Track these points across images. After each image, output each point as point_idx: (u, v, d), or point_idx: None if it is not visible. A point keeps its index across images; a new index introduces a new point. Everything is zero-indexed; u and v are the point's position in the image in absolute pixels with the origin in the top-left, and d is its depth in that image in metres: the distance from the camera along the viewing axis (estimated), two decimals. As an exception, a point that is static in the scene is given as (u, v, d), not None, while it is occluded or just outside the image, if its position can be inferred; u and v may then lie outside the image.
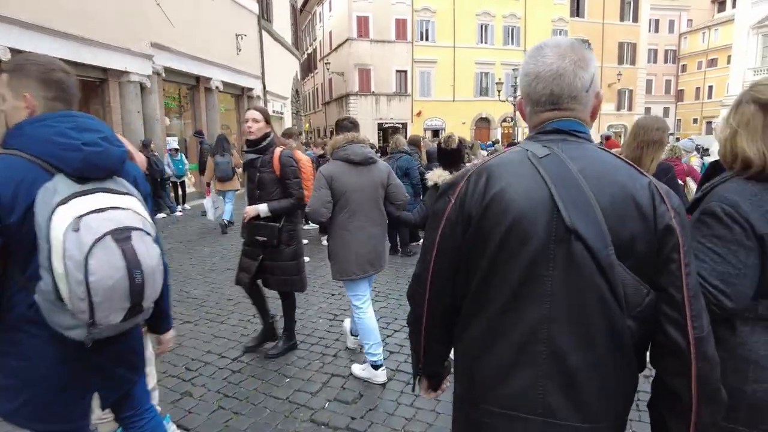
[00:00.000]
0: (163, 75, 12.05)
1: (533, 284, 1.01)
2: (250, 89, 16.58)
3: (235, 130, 15.96)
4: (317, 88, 42.96)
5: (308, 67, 44.41)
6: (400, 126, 33.82)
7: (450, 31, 34.16)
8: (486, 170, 1.08)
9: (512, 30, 35.24)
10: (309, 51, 44.47)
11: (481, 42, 35.12)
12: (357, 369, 3.55)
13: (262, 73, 17.31)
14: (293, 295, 3.91)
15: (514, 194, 1.02)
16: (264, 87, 17.59)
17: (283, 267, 3.67)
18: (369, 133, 30.97)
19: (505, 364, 1.05)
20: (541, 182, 1.02)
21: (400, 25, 33.46)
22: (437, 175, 3.37)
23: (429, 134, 33.18)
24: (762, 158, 1.32)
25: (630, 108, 40.14)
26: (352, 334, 3.98)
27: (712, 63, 50.11)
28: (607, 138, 8.49)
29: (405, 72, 34.12)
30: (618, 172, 1.04)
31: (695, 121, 52.63)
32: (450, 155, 3.56)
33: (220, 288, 5.88)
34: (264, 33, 17.43)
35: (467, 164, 2.98)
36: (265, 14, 17.77)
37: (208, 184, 9.08)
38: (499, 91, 26.01)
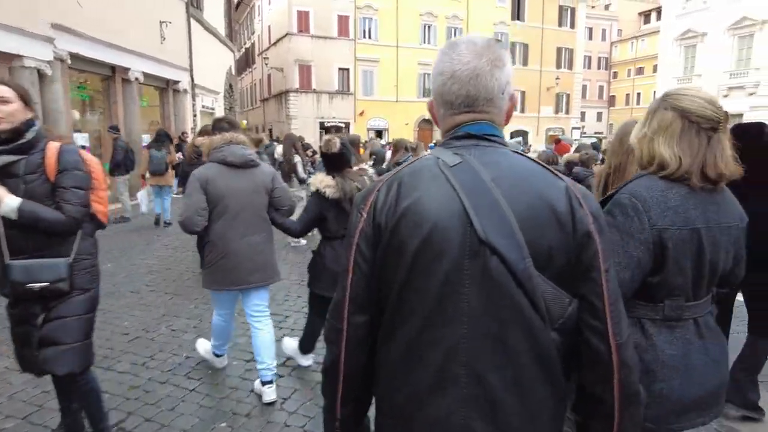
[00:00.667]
0: (69, 62, 10.58)
1: (449, 302, 0.95)
2: (177, 82, 15.20)
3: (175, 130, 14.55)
4: (255, 84, 41.30)
5: (246, 61, 42.61)
6: (343, 125, 32.98)
7: (393, 30, 33.72)
8: (397, 180, 1.03)
9: (455, 31, 35.29)
10: (247, 45, 42.69)
11: (425, 42, 34.93)
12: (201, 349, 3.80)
13: (191, 65, 15.95)
14: (88, 375, 2.46)
15: (426, 207, 0.97)
16: (192, 80, 16.23)
17: (69, 328, 2.28)
18: (310, 132, 29.94)
19: (424, 390, 0.98)
20: (453, 193, 0.96)
21: (343, 21, 32.61)
22: (319, 181, 3.14)
23: (372, 134, 32.60)
24: (677, 161, 1.44)
25: (567, 111, 41.40)
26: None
27: (640, 71, 52.87)
28: (557, 141, 8.11)
29: (347, 70, 33.31)
30: (533, 177, 0.99)
31: (625, 125, 55.24)
32: (331, 160, 3.31)
33: (116, 318, 4.85)
34: (193, 22, 16.08)
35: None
36: (194, 1, 16.40)
37: (143, 176, 9.26)
38: (442, 93, 25.73)
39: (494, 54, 1.02)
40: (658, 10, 51.19)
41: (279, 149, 7.78)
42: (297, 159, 7.01)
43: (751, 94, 26.97)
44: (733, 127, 2.95)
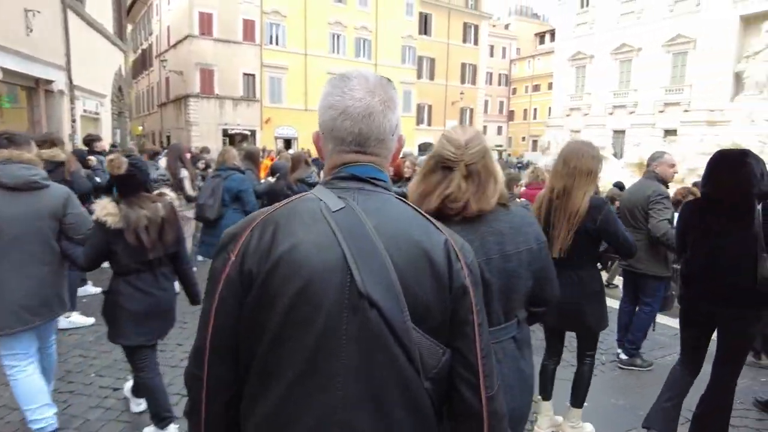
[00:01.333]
0: None
1: (325, 359, 0.90)
2: (50, 81, 13.33)
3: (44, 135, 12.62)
4: (153, 88, 38.41)
5: (143, 63, 39.58)
6: (249, 133, 31.54)
7: (301, 37, 32.99)
8: (274, 222, 0.96)
9: (363, 42, 35.33)
10: (144, 46, 39.67)
11: (334, 52, 34.59)
12: None
13: (68, 63, 14.12)
14: None
15: (303, 255, 0.91)
16: (70, 80, 14.38)
17: None
18: (212, 139, 28.23)
19: None
20: (334, 241, 0.92)
21: (248, 26, 31.27)
22: (101, 208, 2.67)
23: (281, 143, 31.51)
24: (412, 196, 1.65)
25: (471, 125, 43.05)
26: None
27: (537, 88, 56.70)
28: None
29: (253, 76, 31.97)
30: (414, 228, 0.97)
31: (524, 139, 59.00)
32: (120, 182, 2.95)
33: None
34: (71, 15, 14.27)
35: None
36: (73, -8, 14.59)
37: None
38: (351, 103, 25.39)
39: (387, 94, 1.01)
40: (552, 32, 55.44)
41: (163, 162, 6.80)
42: (184, 173, 6.11)
43: (631, 112, 29.71)
44: (715, 154, 2.84)
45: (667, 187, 4.03)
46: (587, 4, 32.18)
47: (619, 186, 8.44)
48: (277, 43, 32.52)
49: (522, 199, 6.01)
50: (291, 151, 14.53)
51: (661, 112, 27.95)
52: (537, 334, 4.08)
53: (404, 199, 1.05)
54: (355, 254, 0.90)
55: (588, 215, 2.59)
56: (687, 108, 26.06)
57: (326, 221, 0.93)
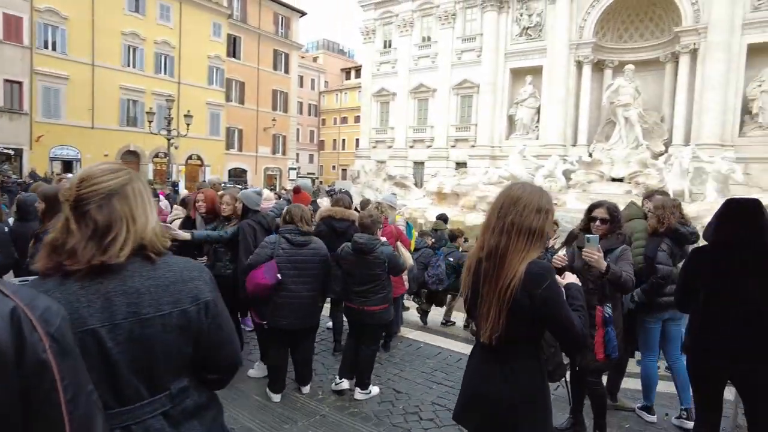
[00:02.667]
0: None
1: None
2: None
3: None
4: None
5: None
6: (12, 152, 25.92)
7: (87, 45, 28.75)
8: None
9: (165, 58, 32.43)
10: None
11: (129, 65, 30.96)
12: None
13: None
14: None
15: None
16: None
17: None
18: (-42, 158, 22.36)
19: None
20: None
21: (12, 22, 25.97)
22: None
23: (59, 166, 26.66)
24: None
25: (284, 153, 42.72)
26: None
27: (345, 120, 59.41)
28: (297, 191, 7.12)
29: (20, 84, 26.56)
30: None
31: (334, 167, 61.00)
32: None
33: None
34: None
35: None
36: None
37: None
38: (150, 122, 22.80)
39: None
40: (357, 69, 59.03)
41: None
42: None
43: (429, 146, 32.96)
44: (730, 203, 2.77)
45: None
46: (390, 45, 35.02)
47: (443, 218, 8.56)
48: (54, 49, 27.72)
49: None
50: (69, 176, 11.91)
51: (453, 146, 31.61)
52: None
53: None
54: None
55: (523, 288, 1.87)
56: (474, 144, 29.97)
57: None
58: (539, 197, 1.99)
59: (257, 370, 4.68)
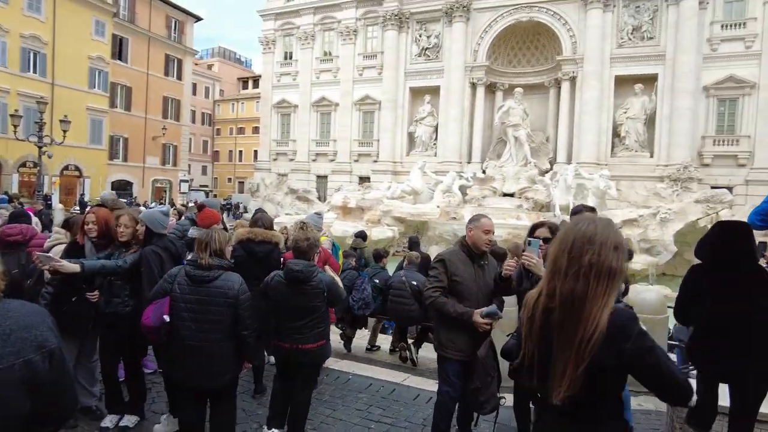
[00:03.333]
0: None
1: None
2: None
3: None
4: None
5: None
6: None
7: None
8: None
9: (35, 55, 28.78)
10: None
11: (-13, 61, 26.99)
12: None
13: None
14: None
15: None
16: None
17: None
18: None
19: None
20: None
21: None
22: None
23: None
24: None
25: (175, 164, 39.90)
26: None
27: (242, 131, 57.18)
28: (201, 207, 5.97)
29: None
30: None
31: (230, 180, 58.32)
32: None
33: None
34: None
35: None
36: None
37: None
38: (15, 126, 19.98)
39: None
40: (255, 79, 57.27)
41: None
42: None
43: (332, 160, 32.76)
44: (721, 225, 3.27)
45: (475, 254, 3.71)
46: (290, 57, 34.39)
47: (361, 236, 8.24)
48: None
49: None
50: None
51: (356, 161, 31.72)
52: None
53: None
54: None
55: (608, 344, 1.62)
56: (376, 159, 30.31)
57: None
58: (614, 232, 1.74)
59: (165, 425, 3.90)
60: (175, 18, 38.32)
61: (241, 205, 37.61)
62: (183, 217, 6.97)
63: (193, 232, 5.11)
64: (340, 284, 4.17)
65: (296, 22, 33.70)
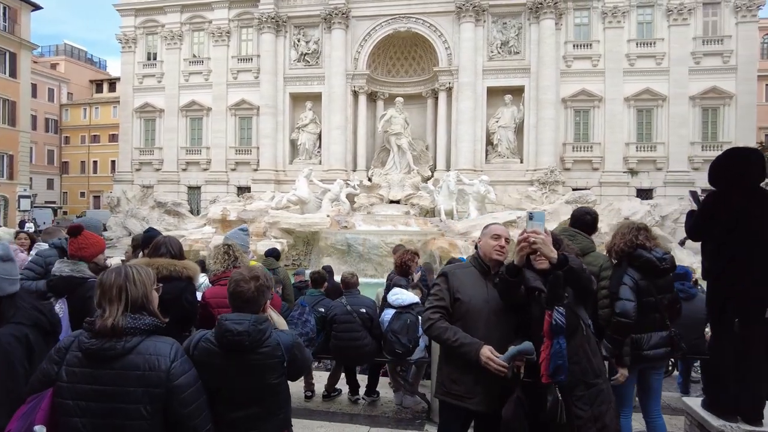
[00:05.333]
0: None
1: None
2: None
3: None
4: None
5: None
6: None
7: None
8: None
9: None
10: None
11: None
12: None
13: None
14: None
15: None
16: None
17: None
18: None
19: None
20: None
21: None
22: None
23: None
24: None
25: (11, 176, 33.89)
26: None
27: (96, 139, 50.93)
28: (76, 230, 3.65)
29: None
30: None
31: (83, 194, 51.56)
32: None
33: None
34: None
35: None
36: None
37: None
38: None
39: None
40: (111, 81, 51.45)
41: None
42: None
43: (205, 169, 30.31)
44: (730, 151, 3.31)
45: (488, 268, 2.89)
46: (155, 58, 31.28)
47: (274, 255, 6.87)
48: None
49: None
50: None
51: (234, 170, 29.70)
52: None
53: None
54: None
55: None
56: (256, 167, 28.64)
57: None
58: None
59: None
60: (5, 3, 32.62)
61: (29, 225, 27.30)
62: (50, 245, 4.62)
63: (61, 268, 3.44)
64: (279, 325, 2.64)
65: (161, 20, 30.79)
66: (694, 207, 3.53)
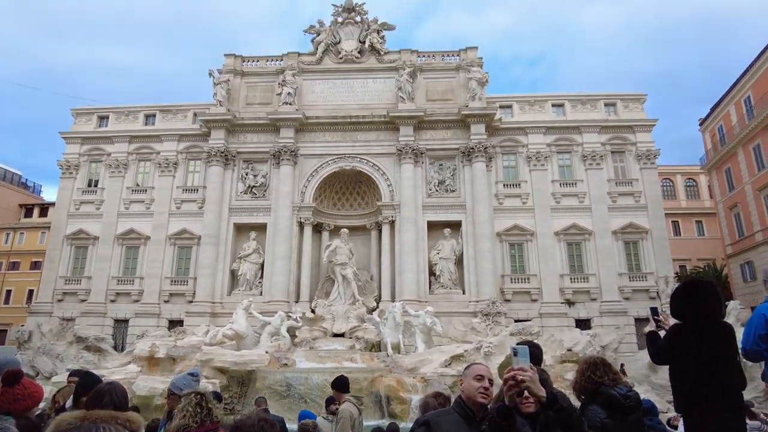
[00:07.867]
0: None
1: None
2: None
3: None
4: None
5: None
6: None
7: None
8: None
9: None
10: None
11: None
12: None
13: None
14: None
15: None
16: None
17: None
18: None
19: None
20: None
21: None
22: None
23: None
24: None
25: None
26: None
27: (15, 266, 47.32)
28: (13, 377, 3.12)
29: None
30: None
31: (-12, 327, 46.25)
32: None
33: None
34: None
35: None
36: None
37: None
38: None
39: None
40: (43, 206, 49.54)
41: None
42: None
43: (136, 300, 28.48)
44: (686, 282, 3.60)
45: (473, 413, 2.72)
46: (96, 185, 30.83)
47: (218, 398, 6.13)
48: None
49: None
50: None
51: (167, 301, 28.12)
52: None
53: None
54: None
55: None
56: (191, 299, 27.27)
57: None
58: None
59: None
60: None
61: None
62: None
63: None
64: None
65: (108, 149, 31.03)
66: (653, 327, 3.93)
